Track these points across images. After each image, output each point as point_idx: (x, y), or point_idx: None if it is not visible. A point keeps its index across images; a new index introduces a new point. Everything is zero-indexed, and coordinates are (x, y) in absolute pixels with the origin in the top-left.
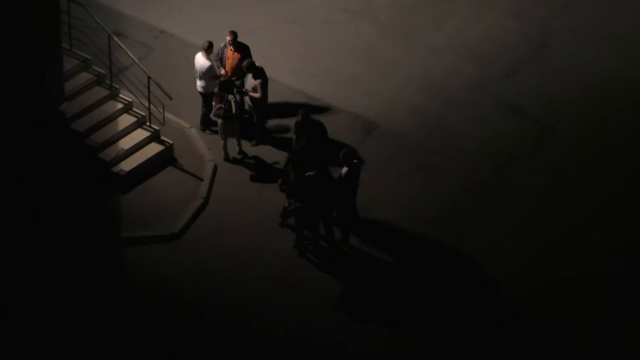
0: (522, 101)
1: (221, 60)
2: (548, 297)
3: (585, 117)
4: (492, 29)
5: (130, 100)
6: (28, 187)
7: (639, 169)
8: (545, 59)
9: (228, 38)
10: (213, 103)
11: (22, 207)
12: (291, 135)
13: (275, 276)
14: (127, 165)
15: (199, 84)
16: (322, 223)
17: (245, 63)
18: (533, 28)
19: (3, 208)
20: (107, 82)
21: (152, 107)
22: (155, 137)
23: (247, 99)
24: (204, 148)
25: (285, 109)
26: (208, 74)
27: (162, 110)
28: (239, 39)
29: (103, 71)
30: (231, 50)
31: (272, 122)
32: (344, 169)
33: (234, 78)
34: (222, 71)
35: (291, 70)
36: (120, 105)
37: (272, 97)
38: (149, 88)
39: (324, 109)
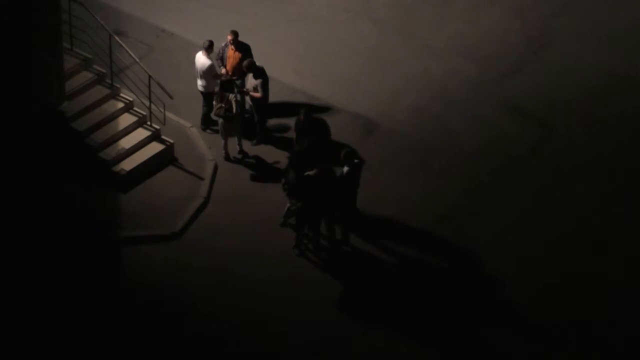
0: (523, 101)
1: (222, 59)
2: (548, 297)
3: (586, 117)
4: (493, 29)
5: (130, 99)
6: (28, 186)
7: (639, 169)
8: (546, 59)
9: (229, 37)
10: (214, 102)
11: (23, 207)
12: (292, 134)
13: (275, 276)
14: (128, 164)
15: (200, 83)
16: (324, 222)
17: (245, 63)
18: (533, 28)
19: (3, 208)
20: (108, 81)
21: (152, 106)
22: (155, 137)
23: (247, 98)
24: (205, 147)
25: (286, 108)
26: (209, 73)
27: (162, 110)
28: (240, 39)
29: (104, 70)
30: (232, 49)
31: (273, 122)
32: (345, 169)
33: (234, 77)
34: (223, 70)
35: (292, 69)
36: (120, 105)
37: (273, 97)
38: (149, 87)
39: (324, 109)
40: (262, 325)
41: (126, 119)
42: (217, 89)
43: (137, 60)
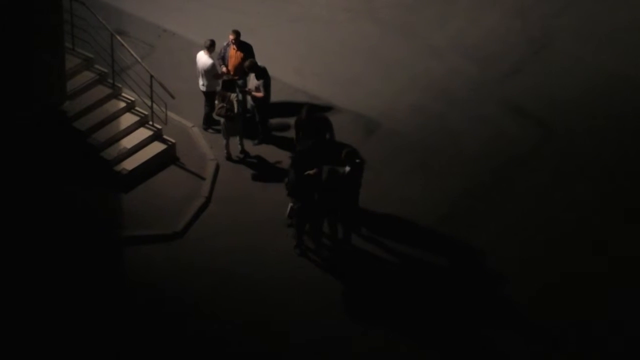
0: (524, 101)
1: (223, 59)
2: (548, 297)
3: (587, 117)
4: (494, 29)
5: (132, 99)
6: (30, 186)
7: (639, 169)
8: (547, 59)
9: (231, 37)
10: (215, 102)
11: (24, 206)
12: (293, 134)
13: (277, 276)
14: (130, 164)
15: (201, 82)
16: (327, 222)
17: (247, 63)
18: (534, 28)
19: (4, 208)
20: (110, 80)
21: (154, 106)
22: (157, 136)
23: (249, 98)
24: (206, 147)
25: (287, 108)
26: (210, 73)
27: (164, 109)
28: (241, 38)
29: (105, 70)
30: (234, 49)
31: (274, 121)
32: (346, 169)
33: (236, 77)
34: (224, 69)
35: (293, 69)
36: (122, 104)
37: (274, 96)
38: (151, 87)
39: (325, 109)
40: (263, 325)
41: (128, 119)
42: (218, 88)
43: (139, 59)
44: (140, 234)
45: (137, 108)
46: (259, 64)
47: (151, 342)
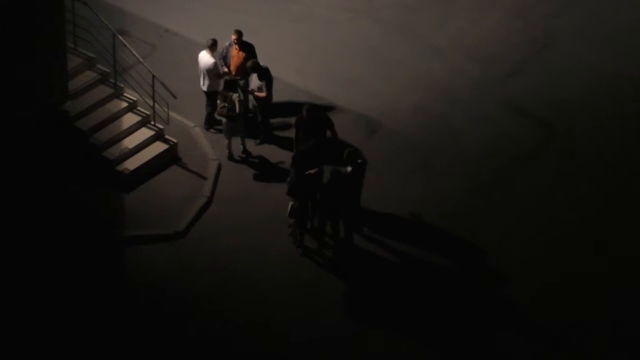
0: (526, 101)
1: (225, 59)
2: (549, 297)
3: (588, 117)
4: (496, 29)
5: (134, 99)
6: (31, 186)
7: None
8: (548, 59)
9: (233, 37)
10: (217, 102)
11: (26, 206)
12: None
13: (278, 276)
14: (131, 164)
15: (203, 82)
16: (329, 222)
17: (249, 64)
18: (536, 28)
19: (6, 207)
20: (111, 80)
21: (156, 105)
22: (159, 136)
23: (251, 97)
24: (208, 147)
25: (289, 108)
26: (212, 72)
27: (166, 109)
28: (244, 38)
29: (107, 70)
30: (236, 49)
31: (276, 121)
32: (348, 169)
33: (238, 77)
34: (225, 69)
35: (295, 69)
36: (124, 104)
37: (276, 96)
38: (153, 87)
39: (327, 108)
40: (264, 324)
41: (129, 119)
42: (220, 88)
43: (141, 59)
44: (141, 234)
45: (138, 108)
46: (261, 64)
47: (152, 341)
